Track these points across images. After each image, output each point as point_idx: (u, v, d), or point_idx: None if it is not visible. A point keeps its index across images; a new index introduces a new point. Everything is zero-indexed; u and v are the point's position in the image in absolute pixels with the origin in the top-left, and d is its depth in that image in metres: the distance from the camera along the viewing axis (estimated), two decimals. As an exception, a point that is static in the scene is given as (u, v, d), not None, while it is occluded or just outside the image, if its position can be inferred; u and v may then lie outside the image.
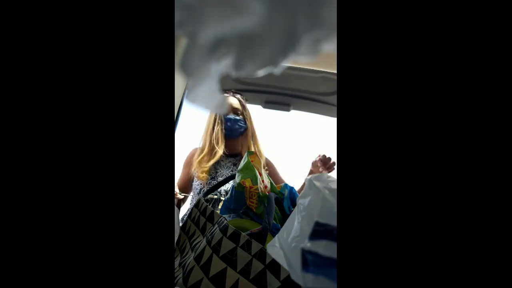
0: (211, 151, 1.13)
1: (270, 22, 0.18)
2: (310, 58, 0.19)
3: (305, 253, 0.23)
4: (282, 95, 1.30)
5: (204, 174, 1.09)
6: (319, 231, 0.24)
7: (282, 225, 0.32)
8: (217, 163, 1.12)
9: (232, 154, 1.15)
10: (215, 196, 0.96)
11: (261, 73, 0.19)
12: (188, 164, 1.18)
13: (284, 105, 1.32)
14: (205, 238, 0.44)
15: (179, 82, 0.85)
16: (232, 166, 1.12)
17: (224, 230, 0.41)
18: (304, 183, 0.90)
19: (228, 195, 0.58)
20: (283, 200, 0.52)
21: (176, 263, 0.48)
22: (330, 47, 0.19)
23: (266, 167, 1.13)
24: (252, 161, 0.55)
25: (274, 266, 0.34)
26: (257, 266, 0.35)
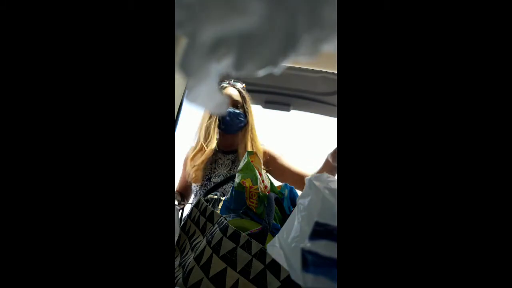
0: (204, 146, 1.04)
1: (270, 22, 0.18)
2: (310, 58, 0.19)
3: (305, 253, 0.23)
4: (282, 95, 1.30)
5: (198, 172, 1.01)
6: (319, 231, 0.24)
7: (282, 225, 0.32)
8: (215, 161, 1.04)
9: (230, 151, 1.07)
10: (215, 196, 0.94)
11: (261, 73, 0.19)
12: (185, 165, 1.12)
13: (284, 105, 1.32)
14: (205, 238, 0.44)
15: (179, 82, 0.85)
16: (230, 164, 1.03)
17: (224, 230, 0.41)
18: (325, 162, 0.83)
19: (228, 195, 0.58)
20: (283, 200, 0.52)
21: (176, 263, 0.48)
22: (330, 47, 0.19)
23: (268, 167, 1.04)
24: (252, 161, 0.55)
25: (274, 266, 0.34)
26: (257, 266, 0.35)
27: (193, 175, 1.03)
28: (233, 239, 0.39)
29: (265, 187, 0.54)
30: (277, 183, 0.60)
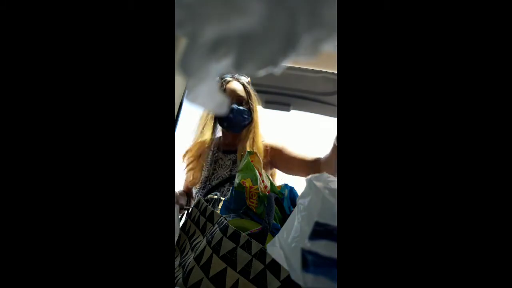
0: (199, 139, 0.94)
1: (270, 22, 0.18)
2: (310, 58, 0.19)
3: (305, 253, 0.23)
4: (282, 95, 1.30)
5: (196, 174, 0.91)
6: (319, 231, 0.24)
7: (282, 225, 0.32)
8: (215, 162, 0.94)
9: (232, 150, 0.96)
10: (215, 196, 0.91)
11: (261, 73, 0.19)
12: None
13: (284, 105, 1.31)
14: (205, 238, 0.44)
15: (179, 82, 0.84)
16: (231, 165, 0.93)
17: (224, 230, 0.41)
18: (332, 147, 0.73)
19: (228, 195, 0.58)
20: (283, 200, 0.52)
21: (176, 263, 0.48)
22: (330, 47, 0.19)
23: (274, 161, 0.94)
24: (252, 161, 0.55)
25: (274, 266, 0.34)
26: (257, 266, 0.35)
27: (190, 177, 0.95)
28: (233, 239, 0.39)
29: (265, 187, 0.54)
30: (277, 183, 0.60)
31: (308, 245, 0.23)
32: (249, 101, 0.95)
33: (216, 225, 0.44)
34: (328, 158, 0.75)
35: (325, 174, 0.28)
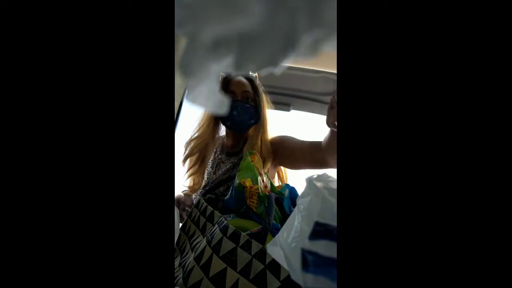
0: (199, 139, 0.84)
1: (270, 22, 0.18)
2: (310, 58, 0.19)
3: (305, 253, 0.23)
4: (282, 95, 1.30)
5: (196, 178, 0.83)
6: (319, 231, 0.24)
7: (282, 225, 0.32)
8: (217, 165, 0.84)
9: (235, 152, 0.84)
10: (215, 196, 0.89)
11: (261, 73, 0.19)
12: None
13: (284, 105, 1.31)
14: (205, 238, 0.44)
15: (179, 82, 0.83)
16: (231, 169, 0.81)
17: (224, 230, 0.41)
18: (329, 132, 0.63)
19: (228, 195, 0.58)
20: (283, 200, 0.53)
21: (176, 263, 0.48)
22: (330, 47, 0.19)
23: (279, 154, 0.82)
24: (252, 161, 0.56)
25: (274, 266, 0.34)
26: (257, 266, 0.35)
27: (191, 183, 0.85)
28: (233, 239, 0.39)
29: (265, 187, 0.54)
30: (277, 181, 0.60)
31: (308, 245, 0.23)
32: (256, 98, 0.81)
33: (216, 225, 0.44)
34: (328, 140, 0.66)
35: (325, 174, 0.28)
